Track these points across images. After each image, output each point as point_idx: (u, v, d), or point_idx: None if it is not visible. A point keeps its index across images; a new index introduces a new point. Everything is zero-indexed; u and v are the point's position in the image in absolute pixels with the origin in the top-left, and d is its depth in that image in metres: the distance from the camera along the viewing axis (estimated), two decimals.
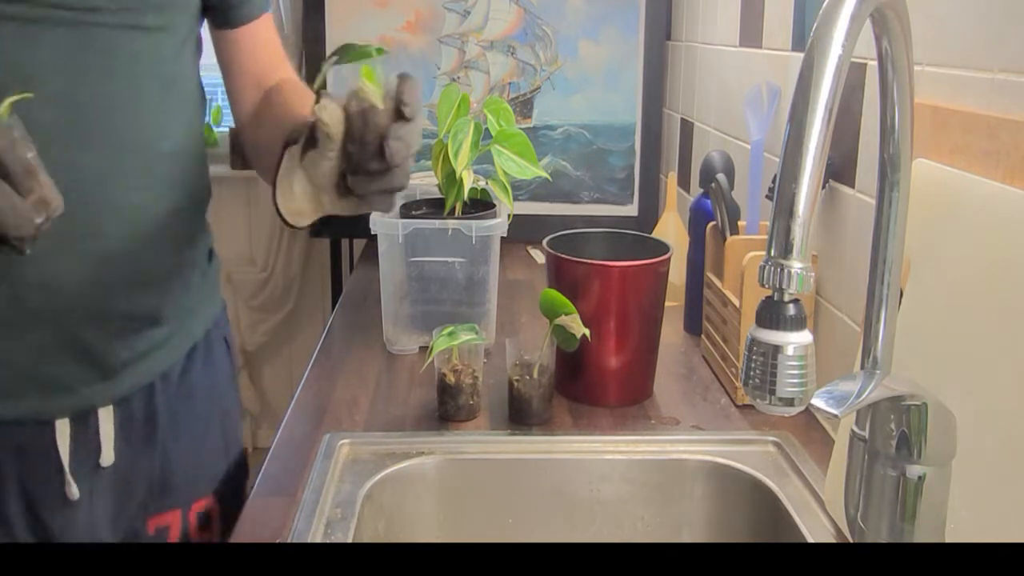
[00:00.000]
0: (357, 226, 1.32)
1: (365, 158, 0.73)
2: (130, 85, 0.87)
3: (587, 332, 1.04)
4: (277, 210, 0.83)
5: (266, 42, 1.07)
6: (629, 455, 1.02)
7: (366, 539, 0.92)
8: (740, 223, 1.22)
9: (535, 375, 1.07)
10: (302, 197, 0.81)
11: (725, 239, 1.20)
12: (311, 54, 1.97)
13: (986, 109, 0.78)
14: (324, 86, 0.76)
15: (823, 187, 1.08)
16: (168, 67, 0.91)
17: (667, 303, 1.17)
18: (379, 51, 0.76)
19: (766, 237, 0.53)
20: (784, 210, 0.52)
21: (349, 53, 0.77)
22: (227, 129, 2.56)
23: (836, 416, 0.60)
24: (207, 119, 1.62)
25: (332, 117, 0.73)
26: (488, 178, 1.37)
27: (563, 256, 1.12)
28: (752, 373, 0.54)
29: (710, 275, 1.25)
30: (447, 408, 1.08)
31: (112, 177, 0.85)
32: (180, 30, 0.92)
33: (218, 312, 1.09)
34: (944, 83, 0.85)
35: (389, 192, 0.76)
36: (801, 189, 0.51)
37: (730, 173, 1.28)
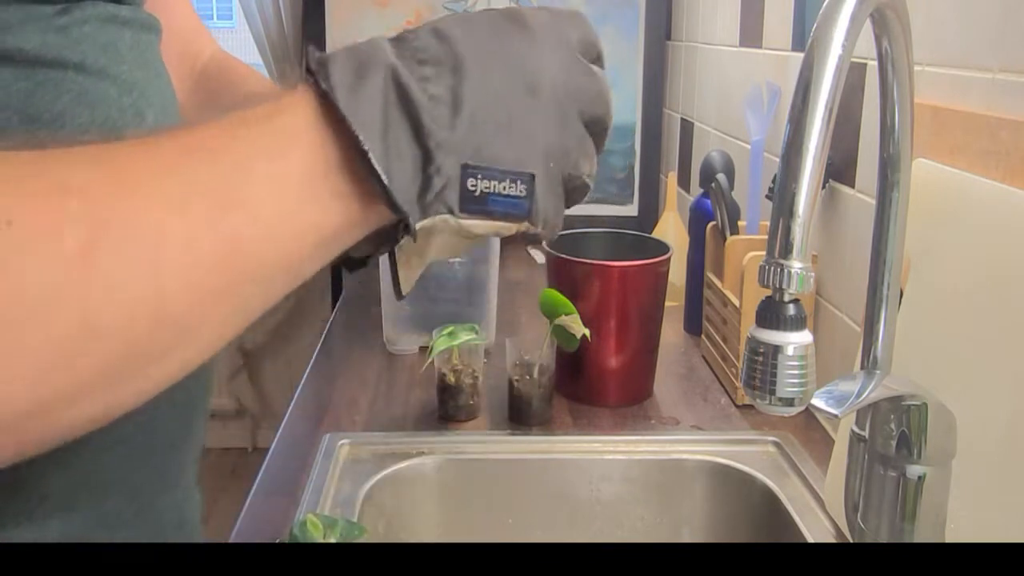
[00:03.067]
0: None
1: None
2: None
3: (587, 332, 1.04)
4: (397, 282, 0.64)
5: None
6: (629, 455, 1.02)
7: (366, 539, 0.92)
8: (740, 223, 1.22)
9: (535, 375, 1.06)
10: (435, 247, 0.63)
11: (725, 239, 1.20)
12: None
13: (986, 109, 0.78)
14: None
15: (823, 187, 1.08)
16: None
17: (667, 303, 1.17)
18: None
19: (766, 237, 0.53)
20: (784, 210, 0.52)
21: None
22: None
23: (836, 416, 0.60)
24: None
25: None
26: None
27: (563, 256, 1.12)
28: (752, 373, 0.54)
29: (710, 275, 1.25)
30: (447, 408, 1.08)
31: None
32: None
33: None
34: (944, 83, 0.85)
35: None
36: (801, 189, 0.51)
37: (730, 173, 1.28)
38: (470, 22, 0.45)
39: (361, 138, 0.40)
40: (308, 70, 0.41)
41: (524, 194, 0.45)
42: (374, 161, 0.40)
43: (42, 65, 0.47)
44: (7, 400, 0.33)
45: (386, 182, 0.41)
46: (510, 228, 0.46)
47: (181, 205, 0.36)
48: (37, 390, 0.33)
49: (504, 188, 0.44)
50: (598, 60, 0.49)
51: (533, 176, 0.45)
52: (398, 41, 0.44)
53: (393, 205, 0.41)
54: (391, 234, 0.44)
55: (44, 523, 0.48)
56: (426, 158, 0.42)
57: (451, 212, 0.43)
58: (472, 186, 0.43)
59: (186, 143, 0.39)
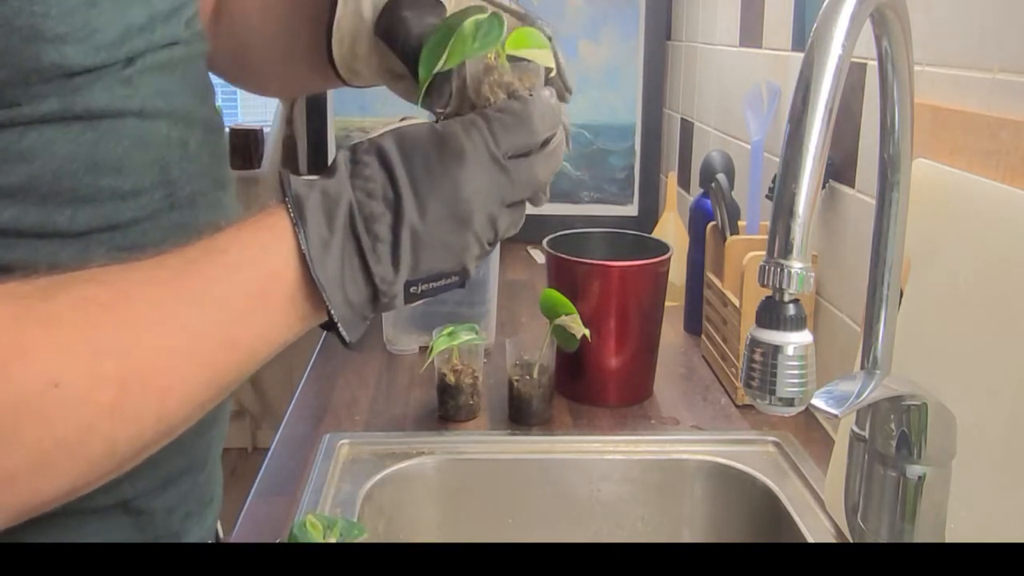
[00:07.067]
0: None
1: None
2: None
3: (587, 332, 1.04)
4: (330, 57, 0.68)
5: None
6: (629, 455, 1.02)
7: (366, 539, 0.92)
8: (740, 223, 1.22)
9: (535, 375, 1.07)
10: (366, 63, 0.67)
11: (725, 239, 1.20)
12: None
13: (986, 109, 0.78)
14: None
15: (823, 187, 1.08)
16: None
17: (667, 303, 1.17)
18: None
19: (766, 237, 0.53)
20: (784, 210, 0.52)
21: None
22: (227, 129, 2.56)
23: (836, 416, 0.60)
24: None
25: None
26: None
27: (563, 256, 1.12)
28: (752, 373, 0.54)
29: (710, 275, 1.25)
30: (447, 408, 1.08)
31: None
32: None
33: None
34: (944, 83, 0.85)
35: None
36: (801, 189, 0.51)
37: (730, 173, 1.28)
38: (409, 150, 0.54)
39: (327, 293, 0.52)
40: (287, 206, 0.52)
41: (458, 280, 0.56)
42: (333, 314, 0.53)
43: (107, 117, 0.55)
44: (54, 493, 0.45)
45: (341, 330, 0.53)
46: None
47: (187, 353, 0.48)
48: (72, 488, 0.45)
49: (440, 283, 0.55)
50: (545, 142, 0.56)
51: (465, 268, 0.56)
52: (354, 167, 0.54)
53: (339, 334, 0.54)
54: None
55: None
56: (374, 289, 0.54)
57: (397, 308, 0.56)
58: (414, 290, 0.55)
59: (194, 292, 0.49)
